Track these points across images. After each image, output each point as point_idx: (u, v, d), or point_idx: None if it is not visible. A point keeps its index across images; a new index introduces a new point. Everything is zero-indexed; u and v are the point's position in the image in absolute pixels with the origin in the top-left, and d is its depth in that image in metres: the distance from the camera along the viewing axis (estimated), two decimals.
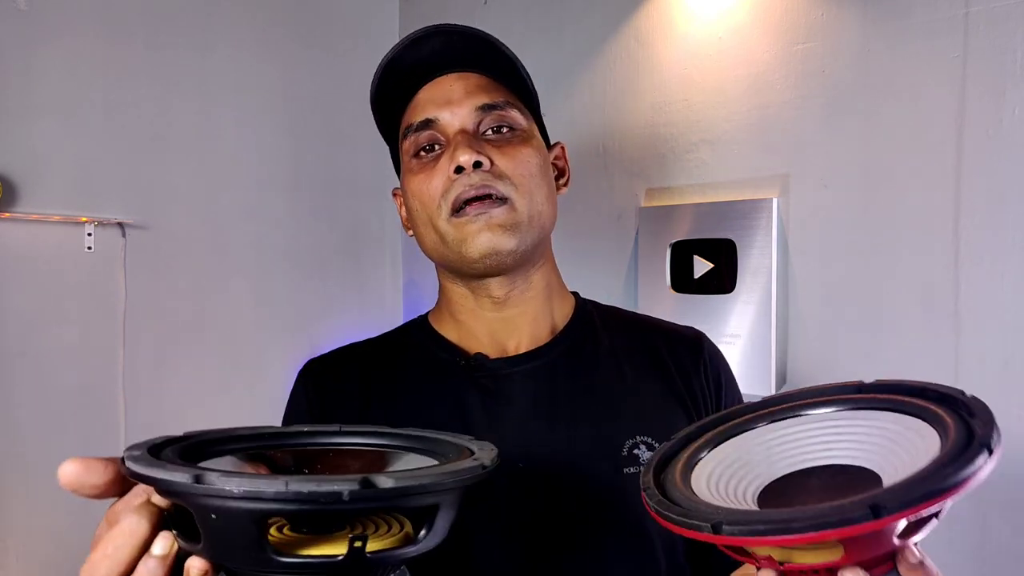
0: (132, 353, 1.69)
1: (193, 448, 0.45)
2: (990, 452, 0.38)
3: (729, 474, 0.48)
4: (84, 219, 1.63)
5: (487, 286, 0.76)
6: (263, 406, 1.83)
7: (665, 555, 0.72)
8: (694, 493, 0.45)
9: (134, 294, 1.70)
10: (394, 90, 0.77)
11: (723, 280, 1.45)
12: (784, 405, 0.51)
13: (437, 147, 0.75)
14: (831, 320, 1.35)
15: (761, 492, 0.47)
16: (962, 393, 0.44)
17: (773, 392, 1.38)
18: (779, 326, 1.39)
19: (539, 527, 0.70)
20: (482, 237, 0.71)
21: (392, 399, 0.77)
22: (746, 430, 0.51)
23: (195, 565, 0.40)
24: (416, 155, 0.76)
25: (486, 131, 0.75)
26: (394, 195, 0.85)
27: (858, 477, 0.45)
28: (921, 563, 0.41)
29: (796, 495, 0.46)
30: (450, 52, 0.76)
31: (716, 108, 1.50)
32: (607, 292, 1.66)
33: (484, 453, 0.44)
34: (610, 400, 0.76)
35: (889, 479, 0.42)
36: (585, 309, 0.83)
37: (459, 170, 0.71)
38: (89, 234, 1.64)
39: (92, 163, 1.65)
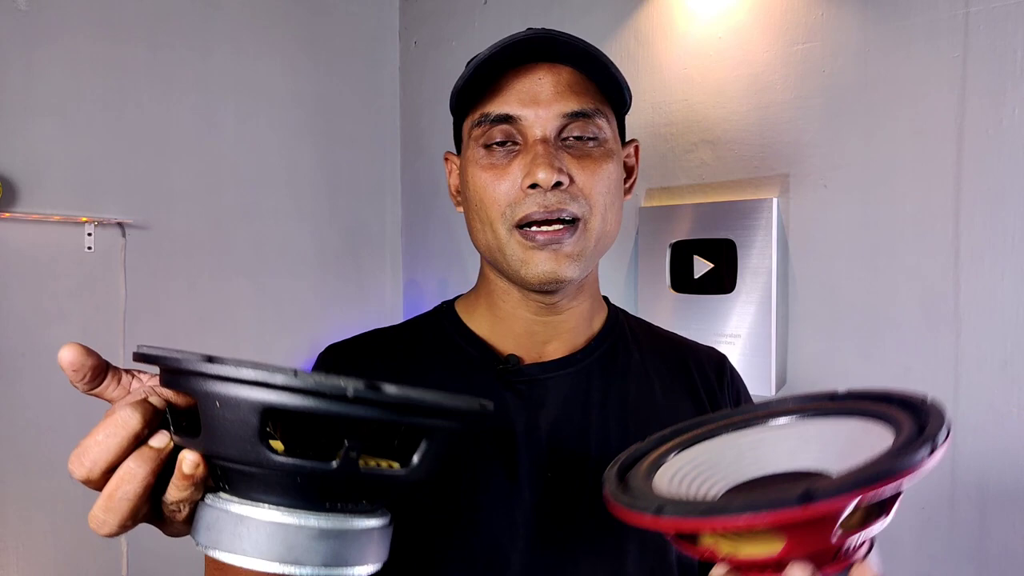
0: (132, 353, 1.69)
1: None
2: (932, 449, 0.39)
3: (694, 475, 0.49)
4: (84, 219, 1.63)
5: (538, 295, 0.73)
6: None
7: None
8: (652, 487, 0.46)
9: (134, 294, 1.70)
10: (478, 76, 0.70)
11: (723, 280, 1.45)
12: (758, 413, 0.53)
13: (511, 143, 0.70)
14: (831, 320, 1.35)
15: (723, 495, 0.48)
16: (923, 400, 0.45)
17: (773, 393, 1.38)
18: (779, 326, 1.39)
19: (562, 535, 0.70)
20: (546, 265, 0.68)
21: None
22: (718, 435, 0.53)
23: (188, 457, 0.40)
24: (486, 146, 0.70)
25: (568, 136, 0.70)
26: (445, 159, 0.80)
27: (817, 479, 0.45)
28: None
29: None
30: (542, 42, 0.69)
31: (716, 108, 1.50)
32: (607, 293, 1.65)
33: (483, 402, 0.44)
34: (640, 413, 0.74)
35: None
36: (618, 318, 0.82)
37: (534, 186, 0.67)
38: (89, 234, 1.64)
39: (92, 163, 1.65)
